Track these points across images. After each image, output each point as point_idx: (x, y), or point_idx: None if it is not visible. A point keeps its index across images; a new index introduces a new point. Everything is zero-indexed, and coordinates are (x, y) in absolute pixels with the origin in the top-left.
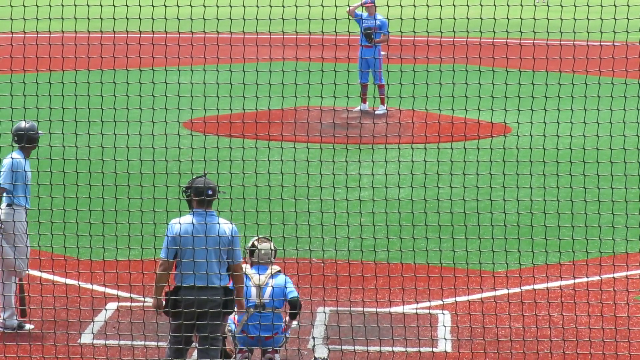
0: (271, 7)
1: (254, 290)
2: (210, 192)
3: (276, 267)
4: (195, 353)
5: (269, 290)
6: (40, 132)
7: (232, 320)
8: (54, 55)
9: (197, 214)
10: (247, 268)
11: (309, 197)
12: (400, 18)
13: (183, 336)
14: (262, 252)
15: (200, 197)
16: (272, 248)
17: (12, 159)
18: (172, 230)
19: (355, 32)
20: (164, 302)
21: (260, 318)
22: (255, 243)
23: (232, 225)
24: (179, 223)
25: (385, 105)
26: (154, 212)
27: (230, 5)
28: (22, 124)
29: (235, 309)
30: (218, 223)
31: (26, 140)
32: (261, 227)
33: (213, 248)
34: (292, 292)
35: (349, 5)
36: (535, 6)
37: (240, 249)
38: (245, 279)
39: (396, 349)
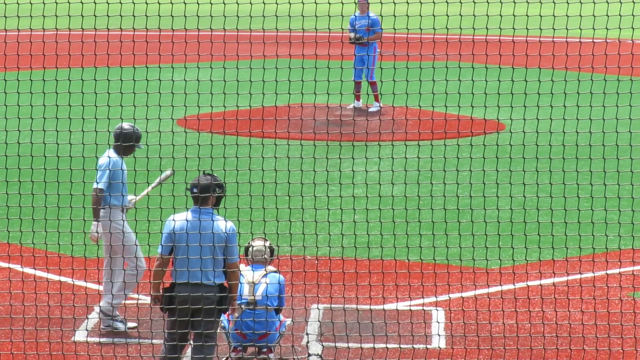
0: (264, 4)
1: (246, 287)
2: (195, 190)
3: (272, 268)
4: (189, 350)
5: (262, 287)
6: (140, 145)
7: (225, 318)
8: (48, 52)
9: (193, 210)
10: (242, 266)
11: (302, 194)
12: (394, 15)
13: (178, 333)
14: (256, 250)
15: (192, 194)
16: (268, 247)
17: (109, 157)
18: (168, 227)
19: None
20: (159, 298)
21: (254, 316)
22: (251, 242)
23: (228, 222)
24: (174, 219)
25: (380, 102)
26: (147, 209)
27: (223, 3)
28: (124, 125)
29: (231, 308)
30: (212, 220)
31: (122, 140)
32: (255, 223)
33: (207, 245)
34: (282, 301)
35: (342, 3)
36: (528, 2)
37: (237, 246)
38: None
39: (390, 345)
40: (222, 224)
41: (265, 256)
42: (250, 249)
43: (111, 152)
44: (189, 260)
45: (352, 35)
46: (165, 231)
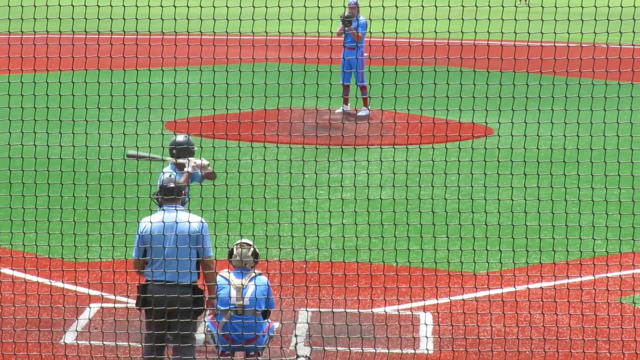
0: (254, 7)
1: (234, 291)
2: (169, 189)
3: (257, 271)
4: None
5: (249, 291)
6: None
7: (211, 322)
8: (39, 55)
9: (166, 210)
10: (229, 273)
11: (291, 196)
12: (382, 18)
13: (154, 333)
14: (240, 254)
15: (165, 193)
16: (253, 253)
17: (162, 173)
18: (140, 229)
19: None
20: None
21: (242, 319)
22: (235, 246)
23: (201, 220)
24: (149, 221)
25: (368, 106)
26: (137, 211)
27: (213, 6)
28: (181, 138)
29: (209, 309)
30: (189, 222)
31: (185, 154)
32: (244, 226)
33: (182, 243)
34: (270, 303)
35: (331, 7)
36: (517, 7)
37: (210, 246)
38: (224, 281)
39: (378, 349)
40: (196, 223)
41: (250, 260)
42: (235, 253)
43: (168, 168)
44: (162, 260)
45: (342, 15)
46: (138, 233)
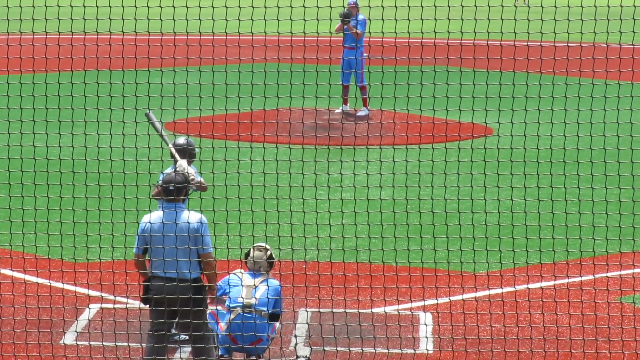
0: (253, 7)
1: (244, 290)
2: (171, 187)
3: (271, 276)
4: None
5: (259, 292)
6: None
7: (214, 319)
8: (38, 56)
9: (165, 207)
10: (242, 274)
11: (291, 197)
12: (382, 19)
13: (163, 329)
14: (255, 258)
15: (164, 191)
16: (268, 257)
17: (162, 173)
18: (140, 228)
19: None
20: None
21: (247, 320)
22: (252, 249)
23: (198, 214)
24: (148, 217)
25: (368, 106)
26: (137, 212)
27: (212, 6)
28: (181, 140)
29: (209, 297)
30: (188, 222)
31: (188, 156)
32: (243, 226)
33: (180, 238)
34: (278, 305)
35: (330, 7)
36: (516, 7)
37: (209, 236)
38: (237, 280)
39: (378, 349)
40: (194, 217)
41: (264, 263)
42: (250, 256)
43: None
44: (163, 256)
45: (341, 13)
46: (138, 230)
